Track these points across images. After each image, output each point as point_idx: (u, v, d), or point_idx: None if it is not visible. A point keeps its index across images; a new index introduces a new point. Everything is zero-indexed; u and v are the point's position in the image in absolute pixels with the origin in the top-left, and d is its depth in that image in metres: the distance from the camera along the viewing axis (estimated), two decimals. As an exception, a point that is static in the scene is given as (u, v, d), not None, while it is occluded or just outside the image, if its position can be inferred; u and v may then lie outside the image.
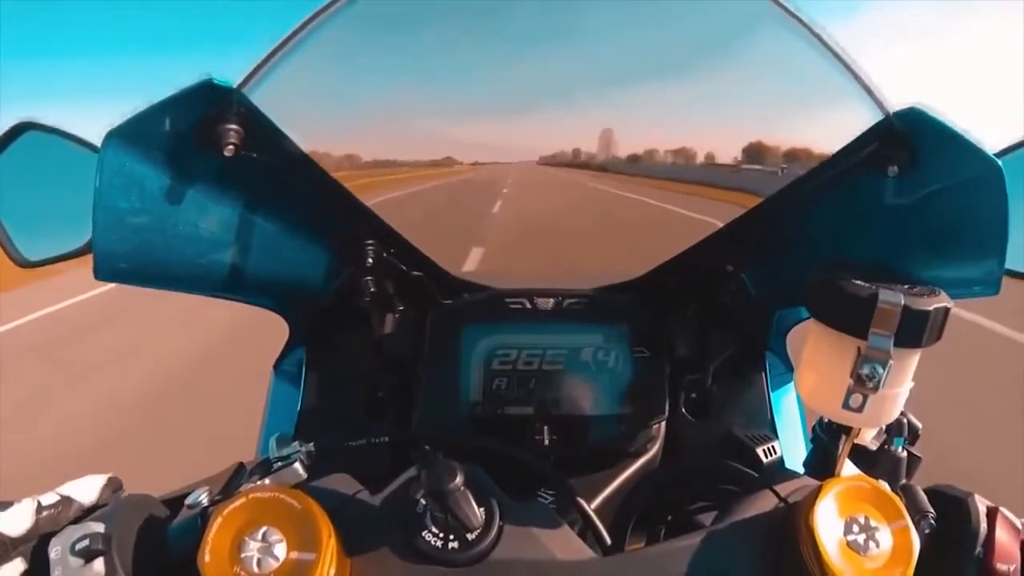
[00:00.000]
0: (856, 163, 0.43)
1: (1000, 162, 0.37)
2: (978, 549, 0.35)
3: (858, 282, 0.36)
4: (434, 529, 0.35)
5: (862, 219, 0.48)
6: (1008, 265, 0.40)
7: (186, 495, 0.38)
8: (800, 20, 0.46)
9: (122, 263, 0.42)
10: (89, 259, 0.41)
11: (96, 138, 0.40)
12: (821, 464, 0.44)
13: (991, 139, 0.40)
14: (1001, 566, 0.35)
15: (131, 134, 0.38)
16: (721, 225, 0.57)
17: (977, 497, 0.38)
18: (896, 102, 0.41)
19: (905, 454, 0.46)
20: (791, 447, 0.63)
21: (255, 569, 0.30)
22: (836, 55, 0.46)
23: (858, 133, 0.42)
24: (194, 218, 0.45)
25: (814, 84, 0.53)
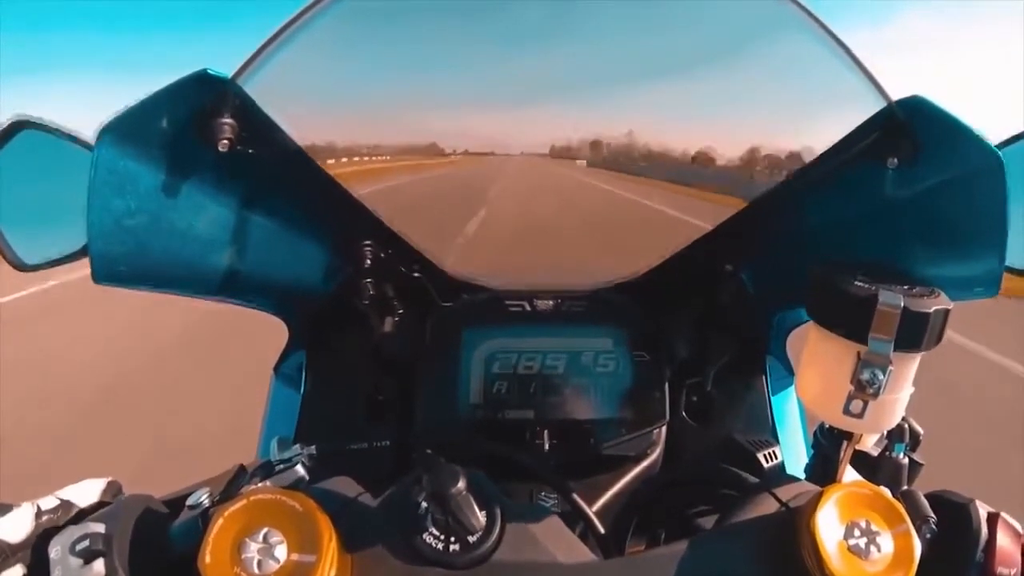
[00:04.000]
0: (857, 153, 0.42)
1: (1000, 153, 0.37)
2: (979, 554, 0.35)
3: (857, 283, 0.36)
4: (435, 531, 0.35)
5: (861, 214, 0.48)
6: (1008, 262, 0.40)
7: (187, 496, 0.37)
8: (803, 8, 0.46)
9: (120, 266, 0.42)
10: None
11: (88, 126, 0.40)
12: (822, 469, 0.44)
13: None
14: (1002, 570, 0.35)
15: (125, 130, 0.38)
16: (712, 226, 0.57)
17: (978, 502, 0.38)
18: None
19: (906, 460, 0.46)
20: (792, 452, 0.63)
21: (256, 570, 0.30)
22: (839, 44, 0.45)
23: (860, 123, 0.42)
24: (191, 218, 0.45)
25: (815, 74, 0.53)
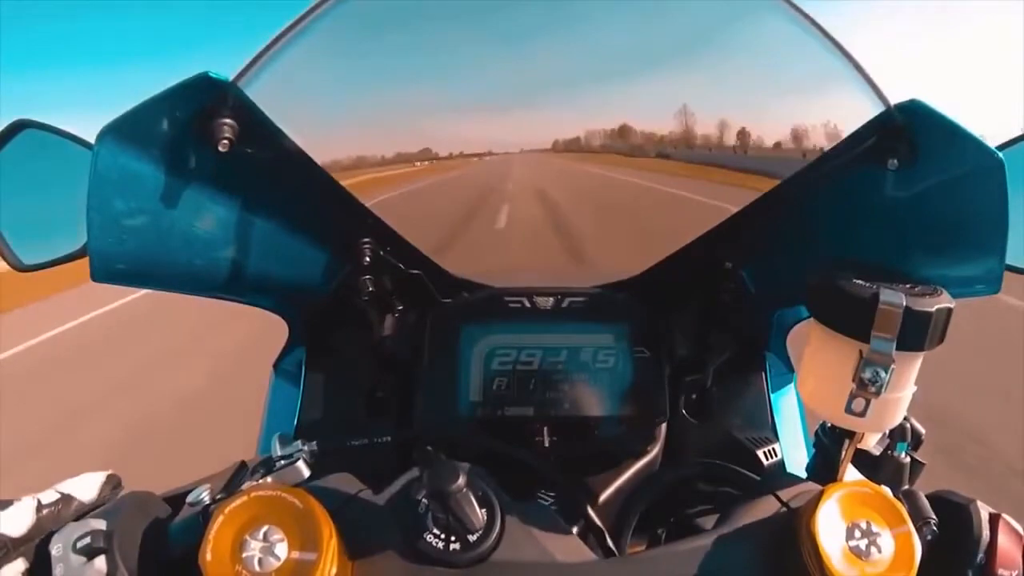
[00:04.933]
0: (856, 156, 0.42)
1: (1000, 155, 0.37)
2: (980, 555, 0.35)
3: (859, 282, 0.36)
4: (435, 530, 0.35)
5: (862, 214, 0.48)
6: (1009, 261, 0.40)
7: (187, 493, 0.38)
8: (803, 14, 0.46)
9: (119, 264, 0.42)
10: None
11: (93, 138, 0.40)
12: (823, 469, 0.44)
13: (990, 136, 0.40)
14: (1003, 572, 0.35)
15: (126, 130, 0.38)
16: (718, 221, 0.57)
17: (979, 503, 0.38)
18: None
19: (908, 459, 0.46)
20: (792, 449, 0.63)
21: (256, 568, 0.30)
22: (838, 48, 0.45)
23: (859, 126, 0.42)
24: (190, 217, 0.45)
25: (816, 77, 0.53)
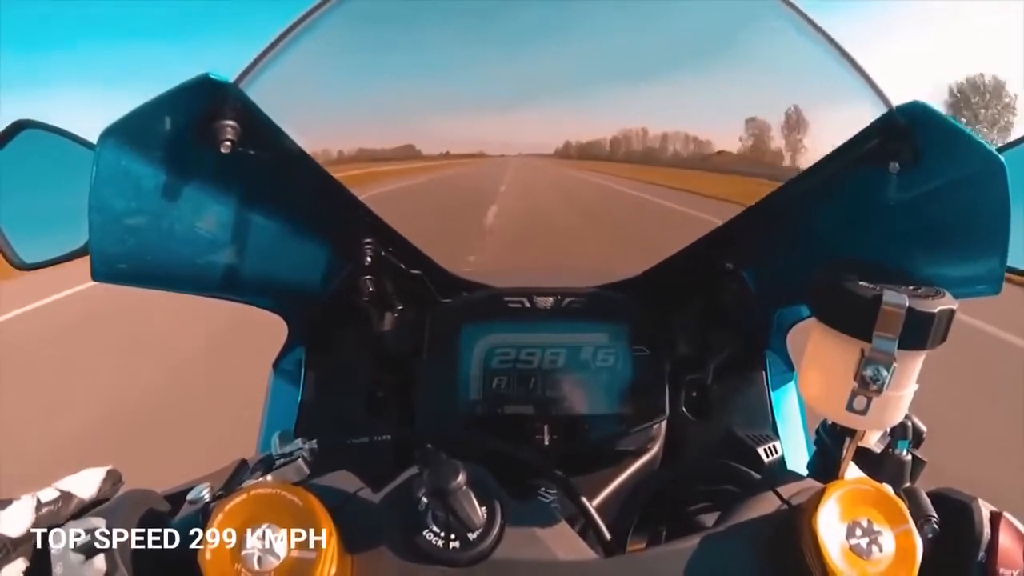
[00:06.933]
0: (858, 158, 0.43)
1: (1002, 157, 0.37)
2: (981, 554, 0.35)
3: (862, 283, 0.36)
4: (435, 528, 0.35)
5: (863, 216, 0.48)
6: (1010, 263, 0.40)
7: (187, 491, 0.37)
8: (804, 16, 0.46)
9: (120, 264, 0.42)
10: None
11: (94, 135, 0.40)
12: (824, 467, 0.44)
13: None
14: (1004, 571, 0.34)
15: (127, 132, 0.38)
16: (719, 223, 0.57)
17: (981, 502, 0.37)
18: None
19: (909, 457, 0.46)
20: (792, 447, 0.63)
21: (256, 566, 0.30)
22: (840, 51, 0.45)
23: (860, 128, 0.42)
24: (191, 217, 0.45)
25: (817, 79, 0.53)
